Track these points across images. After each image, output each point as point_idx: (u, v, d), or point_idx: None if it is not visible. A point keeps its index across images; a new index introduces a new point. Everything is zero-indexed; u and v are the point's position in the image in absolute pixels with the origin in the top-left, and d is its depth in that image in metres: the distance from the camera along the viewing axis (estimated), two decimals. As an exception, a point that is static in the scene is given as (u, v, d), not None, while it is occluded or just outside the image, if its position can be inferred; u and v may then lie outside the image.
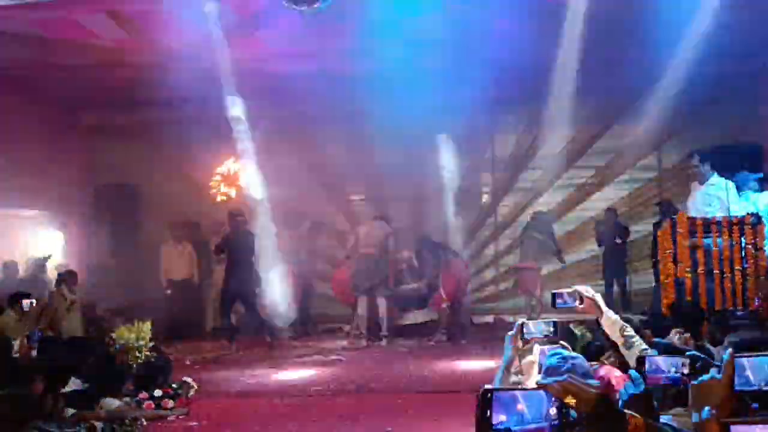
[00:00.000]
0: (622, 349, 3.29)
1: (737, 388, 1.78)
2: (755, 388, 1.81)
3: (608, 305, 3.33)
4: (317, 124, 11.16)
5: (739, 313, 6.28)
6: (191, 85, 9.39)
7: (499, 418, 1.46)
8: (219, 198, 11.29)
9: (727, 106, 9.91)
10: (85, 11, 8.17)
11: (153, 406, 5.84)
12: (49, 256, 10.72)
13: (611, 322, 3.33)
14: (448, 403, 5.96)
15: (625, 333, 3.29)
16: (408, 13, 8.36)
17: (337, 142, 11.36)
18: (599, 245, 10.46)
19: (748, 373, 1.79)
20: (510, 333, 3.21)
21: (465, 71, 9.31)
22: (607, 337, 3.41)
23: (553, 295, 3.29)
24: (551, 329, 3.18)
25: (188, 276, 11.14)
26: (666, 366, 2.43)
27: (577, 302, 3.22)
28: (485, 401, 1.46)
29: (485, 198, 12.26)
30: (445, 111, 10.80)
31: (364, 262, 9.37)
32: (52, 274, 10.51)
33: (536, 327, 3.16)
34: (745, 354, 1.84)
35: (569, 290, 3.30)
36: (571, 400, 1.40)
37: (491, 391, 1.46)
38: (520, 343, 3.21)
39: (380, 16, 8.16)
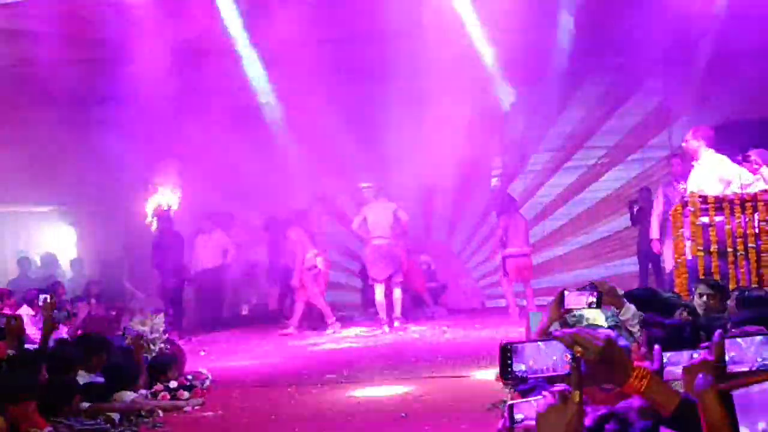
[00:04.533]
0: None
1: (730, 368, 1.77)
2: (747, 368, 1.79)
3: (643, 284, 3.38)
4: (325, 109, 11.15)
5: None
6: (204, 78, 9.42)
7: (518, 366, 1.64)
8: None
9: (738, 82, 9.78)
10: (92, 5, 8.18)
11: (168, 397, 5.89)
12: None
13: (631, 313, 3.35)
14: (461, 388, 5.98)
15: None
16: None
17: (346, 128, 11.34)
18: (633, 224, 10.19)
19: (741, 352, 1.79)
20: (550, 301, 3.18)
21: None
22: (627, 328, 3.43)
23: (561, 294, 3.11)
24: (594, 299, 3.02)
25: (211, 267, 11.06)
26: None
27: (591, 299, 3.02)
28: (505, 352, 1.63)
29: (495, 181, 12.18)
30: (454, 93, 10.73)
31: (379, 252, 9.35)
32: (66, 269, 10.62)
33: (578, 297, 3.06)
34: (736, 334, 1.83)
35: (582, 288, 3.22)
36: (579, 349, 1.50)
37: (510, 343, 1.64)
38: (560, 312, 3.14)
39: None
